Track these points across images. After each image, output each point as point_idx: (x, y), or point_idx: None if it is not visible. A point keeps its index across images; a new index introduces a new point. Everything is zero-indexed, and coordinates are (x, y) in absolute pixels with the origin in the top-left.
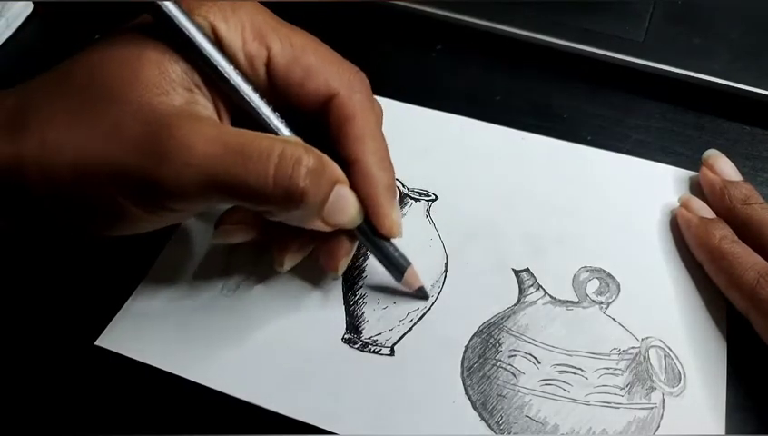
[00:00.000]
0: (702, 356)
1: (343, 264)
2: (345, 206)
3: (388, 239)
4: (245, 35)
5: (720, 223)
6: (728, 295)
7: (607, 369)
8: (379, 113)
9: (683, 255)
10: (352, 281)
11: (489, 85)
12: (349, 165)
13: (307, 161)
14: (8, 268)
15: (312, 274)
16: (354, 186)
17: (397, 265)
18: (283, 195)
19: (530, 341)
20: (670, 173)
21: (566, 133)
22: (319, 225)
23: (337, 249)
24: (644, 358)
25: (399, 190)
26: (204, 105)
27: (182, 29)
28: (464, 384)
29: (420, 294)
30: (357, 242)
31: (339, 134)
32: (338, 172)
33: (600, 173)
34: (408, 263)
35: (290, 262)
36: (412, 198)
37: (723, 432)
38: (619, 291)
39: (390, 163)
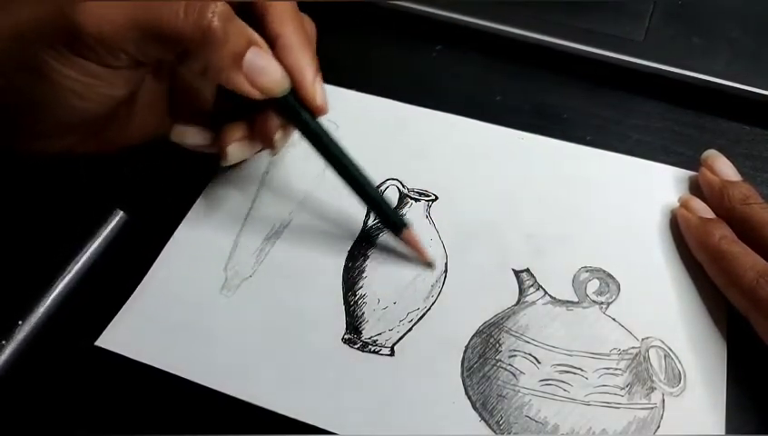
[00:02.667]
0: (702, 356)
1: (278, 140)
2: (266, 66)
3: (315, 114)
4: None
5: (720, 223)
6: (728, 295)
7: (607, 369)
8: (295, 4)
9: (683, 255)
10: (352, 281)
11: (489, 85)
12: (272, 43)
13: (215, 6)
14: (8, 268)
15: (312, 274)
16: (279, 61)
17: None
18: (193, 28)
19: (530, 341)
20: (670, 173)
21: (566, 134)
22: (246, 86)
23: (269, 124)
24: (645, 358)
25: (399, 190)
26: None
27: None
28: (464, 384)
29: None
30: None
31: (263, 18)
32: (253, 34)
33: (600, 174)
34: (404, 224)
35: (233, 151)
36: (412, 198)
37: (723, 432)
38: (619, 291)
39: (312, 45)
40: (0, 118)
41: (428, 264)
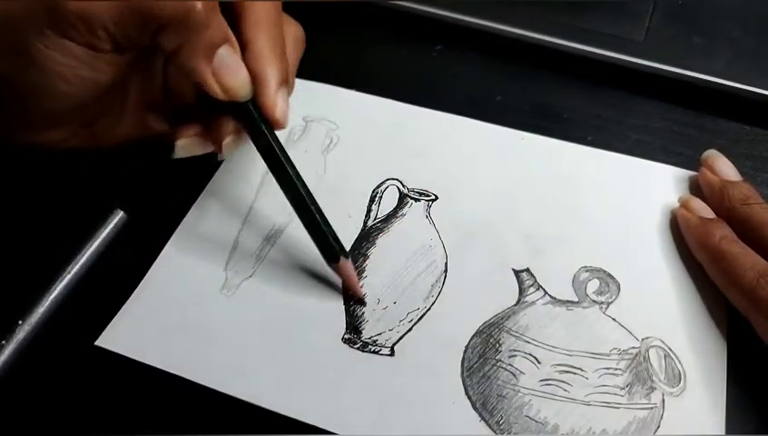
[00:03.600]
0: (702, 356)
1: (227, 145)
2: (235, 68)
3: (273, 127)
4: None
5: (720, 223)
6: (728, 295)
7: (607, 369)
8: (278, 10)
9: (683, 255)
10: None
11: (489, 85)
12: (244, 49)
13: None
14: (8, 268)
15: (312, 274)
16: (247, 67)
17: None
18: (176, 6)
19: (530, 341)
20: (670, 173)
21: (566, 133)
22: (210, 80)
23: (222, 127)
24: (645, 358)
25: (399, 190)
26: None
27: None
28: (464, 384)
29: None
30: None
31: (240, 21)
32: (229, 32)
33: (600, 173)
34: (344, 253)
35: (181, 145)
36: (412, 198)
37: (723, 432)
38: (619, 291)
39: (285, 55)
40: None
41: (360, 301)
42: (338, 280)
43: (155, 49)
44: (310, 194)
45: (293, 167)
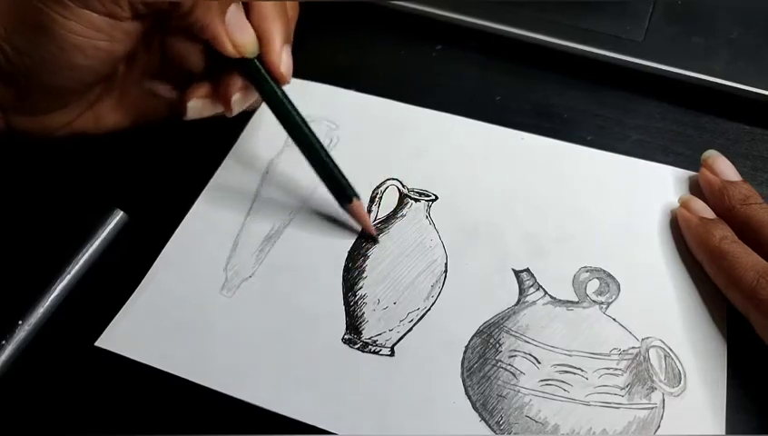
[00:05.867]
0: (702, 356)
1: (236, 101)
2: (243, 25)
3: (278, 81)
4: None
5: (720, 224)
6: (728, 295)
7: (607, 369)
8: None
9: (683, 255)
10: (352, 281)
11: (489, 85)
12: (248, 8)
13: None
14: (8, 268)
15: (312, 274)
16: (252, 25)
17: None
18: None
19: (530, 341)
20: (670, 173)
21: (566, 133)
22: (224, 38)
23: (230, 85)
24: (645, 358)
25: (399, 190)
26: None
27: None
28: (464, 385)
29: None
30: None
31: None
32: None
33: (600, 174)
34: (355, 194)
35: (193, 106)
36: (412, 198)
37: (723, 432)
38: (619, 291)
39: (286, 14)
40: (5, 89)
41: (373, 239)
42: (338, 281)
43: (166, 16)
44: (319, 141)
45: (301, 116)
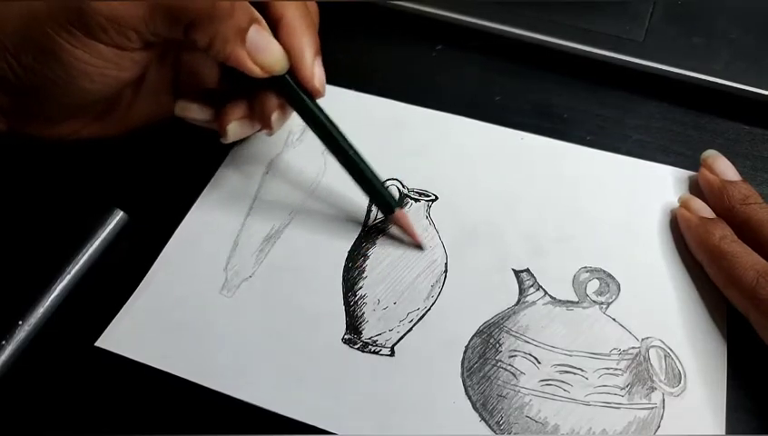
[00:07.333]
0: (702, 356)
1: (276, 120)
2: (267, 44)
3: (313, 95)
4: None
5: (720, 223)
6: (728, 295)
7: (607, 369)
8: None
9: (683, 255)
10: (352, 281)
11: (489, 85)
12: (275, 24)
13: None
14: (8, 268)
15: (312, 274)
16: (280, 41)
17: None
18: (201, 2)
19: (530, 341)
20: (670, 173)
21: (566, 134)
22: (247, 61)
23: (267, 104)
24: (645, 358)
25: (399, 190)
26: None
27: None
28: (464, 385)
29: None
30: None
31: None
32: (255, 13)
33: (600, 174)
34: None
35: (233, 129)
36: (412, 198)
37: (723, 432)
38: (619, 291)
39: (314, 26)
40: (12, 101)
41: (419, 247)
42: (338, 281)
43: (179, 42)
44: (359, 154)
45: (339, 131)
